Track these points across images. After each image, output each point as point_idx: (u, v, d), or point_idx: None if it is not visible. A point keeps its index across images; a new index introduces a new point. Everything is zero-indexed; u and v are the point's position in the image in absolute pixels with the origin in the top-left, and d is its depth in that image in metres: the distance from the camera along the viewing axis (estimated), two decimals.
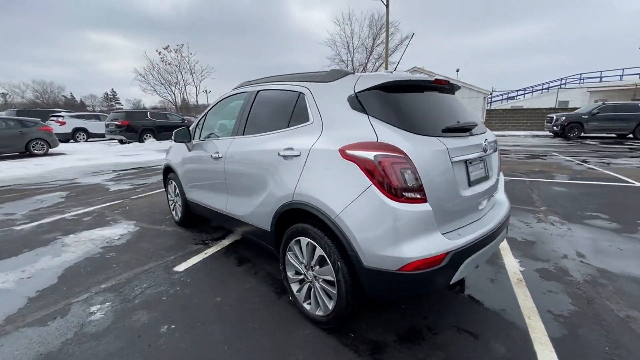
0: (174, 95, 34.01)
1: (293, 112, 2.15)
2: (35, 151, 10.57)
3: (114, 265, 2.86)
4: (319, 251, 1.84)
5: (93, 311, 2.19)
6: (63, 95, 58.65)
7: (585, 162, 8.09)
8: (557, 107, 22.47)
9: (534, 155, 9.57)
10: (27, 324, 2.06)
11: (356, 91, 1.82)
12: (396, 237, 1.55)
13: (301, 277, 2.07)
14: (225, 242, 3.35)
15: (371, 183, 1.57)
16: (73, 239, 3.49)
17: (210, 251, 3.13)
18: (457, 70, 35.85)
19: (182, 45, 31.72)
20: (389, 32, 20.55)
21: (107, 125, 13.79)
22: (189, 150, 3.30)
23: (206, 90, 41.97)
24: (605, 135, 15.33)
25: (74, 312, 2.19)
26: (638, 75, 25.59)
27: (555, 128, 15.19)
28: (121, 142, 13.93)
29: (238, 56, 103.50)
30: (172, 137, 3.28)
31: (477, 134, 2.01)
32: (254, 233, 2.50)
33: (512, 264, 2.78)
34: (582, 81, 26.32)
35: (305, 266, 2.00)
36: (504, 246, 3.12)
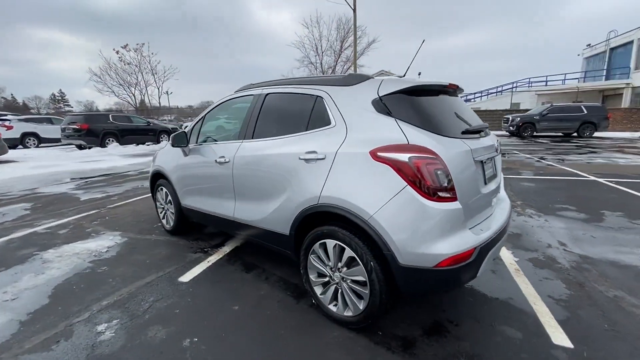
0: (134, 96, 32.14)
1: (311, 116, 2.16)
2: None
3: (110, 280, 2.67)
4: (349, 252, 1.87)
5: (101, 330, 2.03)
6: (3, 97, 53.08)
7: (544, 159, 8.86)
8: (511, 108, 24.33)
9: None
10: (28, 351, 1.87)
11: (380, 95, 1.87)
12: (432, 235, 1.62)
13: (325, 279, 2.08)
14: (226, 249, 3.25)
15: (406, 184, 1.63)
16: (53, 254, 3.20)
17: (212, 259, 3.03)
18: (419, 74, 37.25)
19: (143, 44, 30.17)
20: (357, 35, 21.04)
21: (63, 129, 12.69)
22: (185, 154, 3.17)
23: (167, 92, 40.15)
24: (553, 134, 16.86)
25: (79, 333, 2.02)
26: (577, 80, 28.50)
27: (511, 128, 16.43)
28: (80, 147, 12.93)
29: (199, 57, 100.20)
30: (170, 142, 3.13)
31: (486, 136, 2.16)
32: (267, 238, 2.46)
33: (506, 255, 2.99)
34: (530, 85, 28.74)
35: (331, 268, 2.02)
36: None
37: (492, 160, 2.15)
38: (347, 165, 1.85)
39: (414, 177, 1.62)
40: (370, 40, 29.22)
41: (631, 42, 24.71)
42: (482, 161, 1.96)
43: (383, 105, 1.85)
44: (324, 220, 2.02)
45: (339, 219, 1.92)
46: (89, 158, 10.67)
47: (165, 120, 29.01)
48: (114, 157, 11.03)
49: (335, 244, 1.93)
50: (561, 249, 3.13)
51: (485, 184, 2.00)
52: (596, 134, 15.95)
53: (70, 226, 4.03)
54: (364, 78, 2.03)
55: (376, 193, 1.72)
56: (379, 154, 1.73)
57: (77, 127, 12.21)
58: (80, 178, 7.39)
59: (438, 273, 1.64)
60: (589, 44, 31.05)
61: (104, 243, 3.45)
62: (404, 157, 1.65)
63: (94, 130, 12.50)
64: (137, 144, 14.08)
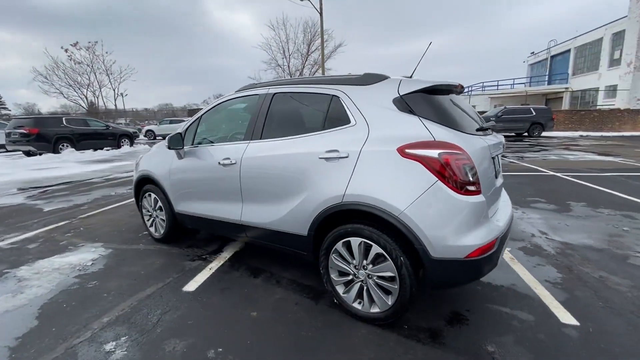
0: (86, 98, 29.76)
1: (327, 115, 2.15)
2: None
3: (105, 295, 2.45)
4: (376, 249, 1.89)
5: (110, 349, 1.86)
6: None
7: (505, 157, 9.57)
8: None
9: None
10: None
11: (402, 94, 1.92)
12: (462, 227, 1.69)
13: (348, 278, 2.08)
14: (226, 255, 3.13)
15: (437, 179, 1.69)
16: (29, 270, 2.86)
17: (213, 266, 2.89)
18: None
19: (96, 42, 28.06)
20: (324, 39, 21.29)
21: (8, 134, 11.40)
22: (180, 157, 3.00)
23: (122, 94, 37.75)
24: (507, 134, 18.27)
25: (85, 355, 1.83)
26: (524, 85, 31.19)
27: None
28: (28, 153, 11.69)
29: (157, 58, 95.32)
30: (167, 144, 2.94)
31: (491, 134, 2.30)
32: (280, 240, 2.40)
33: None
34: (484, 89, 30.97)
35: (356, 266, 2.02)
36: None
37: (498, 157, 2.29)
38: (373, 162, 1.88)
39: (444, 172, 1.69)
40: (337, 44, 29.76)
41: (568, 50, 27.61)
42: (493, 157, 2.08)
43: (405, 103, 1.90)
44: (346, 219, 2.03)
45: (365, 216, 1.93)
46: (41, 165, 9.67)
47: (121, 124, 27.21)
48: (70, 164, 10.11)
49: (361, 241, 1.94)
50: (544, 237, 3.40)
51: (496, 177, 2.12)
52: (544, 134, 17.54)
53: (40, 239, 3.63)
54: (382, 77, 2.07)
55: (406, 189, 1.76)
56: (407, 150, 1.77)
57: (25, 132, 11.04)
58: (34, 187, 6.68)
59: (467, 264, 1.71)
60: (533, 52, 34.20)
61: (87, 256, 3.15)
62: (433, 153, 1.71)
63: (44, 135, 11.39)
64: (95, 149, 13.05)
